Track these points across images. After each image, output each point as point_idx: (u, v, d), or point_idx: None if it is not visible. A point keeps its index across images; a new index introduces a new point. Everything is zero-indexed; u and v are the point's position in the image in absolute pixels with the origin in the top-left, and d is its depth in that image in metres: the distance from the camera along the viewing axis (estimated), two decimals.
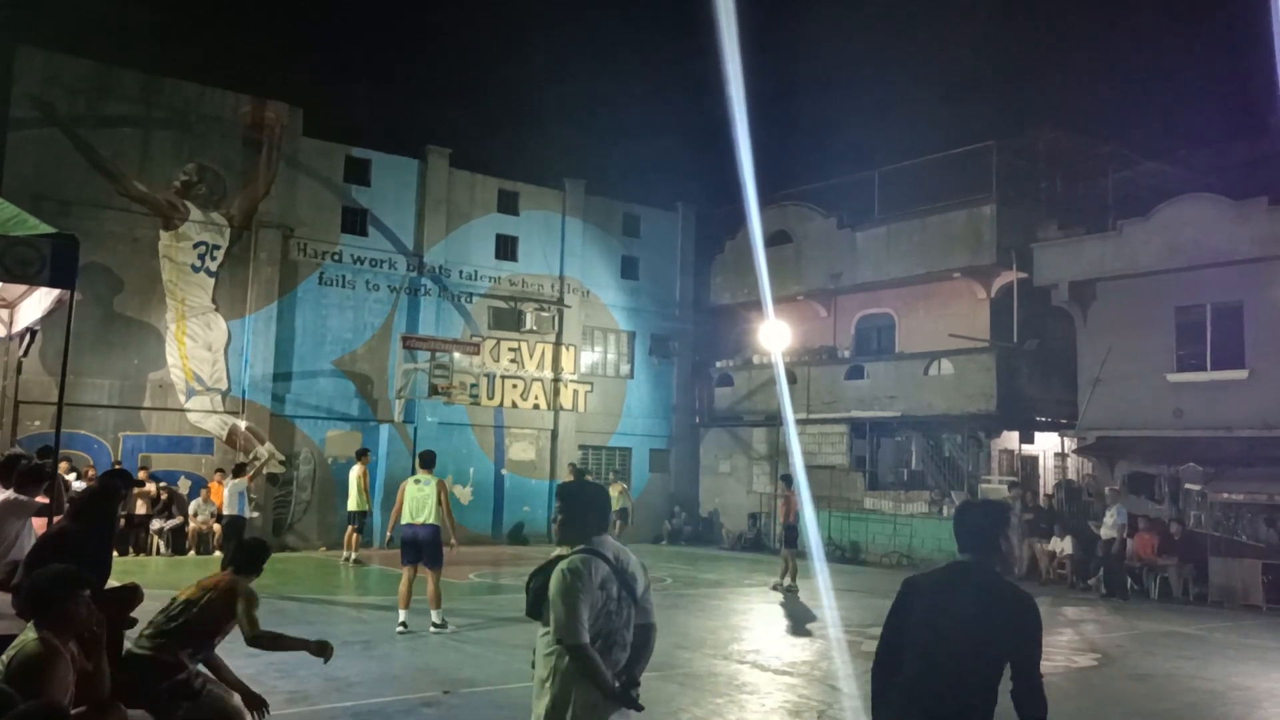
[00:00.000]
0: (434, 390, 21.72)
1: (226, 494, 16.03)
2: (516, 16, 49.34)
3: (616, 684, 3.78)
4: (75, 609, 4.25)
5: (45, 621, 4.17)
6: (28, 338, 8.66)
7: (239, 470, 16.22)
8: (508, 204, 24.59)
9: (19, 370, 16.99)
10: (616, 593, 3.84)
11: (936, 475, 22.25)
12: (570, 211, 25.40)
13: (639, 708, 3.84)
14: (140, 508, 18.23)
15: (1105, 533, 17.44)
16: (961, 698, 3.38)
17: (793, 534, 16.75)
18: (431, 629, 10.96)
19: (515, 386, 24.34)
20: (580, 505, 3.99)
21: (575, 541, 3.93)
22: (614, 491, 22.31)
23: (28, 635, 4.12)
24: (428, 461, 11.55)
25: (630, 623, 3.88)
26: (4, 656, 4.08)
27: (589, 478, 21.88)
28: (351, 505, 18.32)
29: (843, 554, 22.14)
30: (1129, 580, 17.36)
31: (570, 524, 3.97)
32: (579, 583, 3.74)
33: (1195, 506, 18.25)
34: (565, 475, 24.15)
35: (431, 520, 11.04)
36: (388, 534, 12.38)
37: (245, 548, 5.91)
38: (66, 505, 6.87)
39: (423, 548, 11.10)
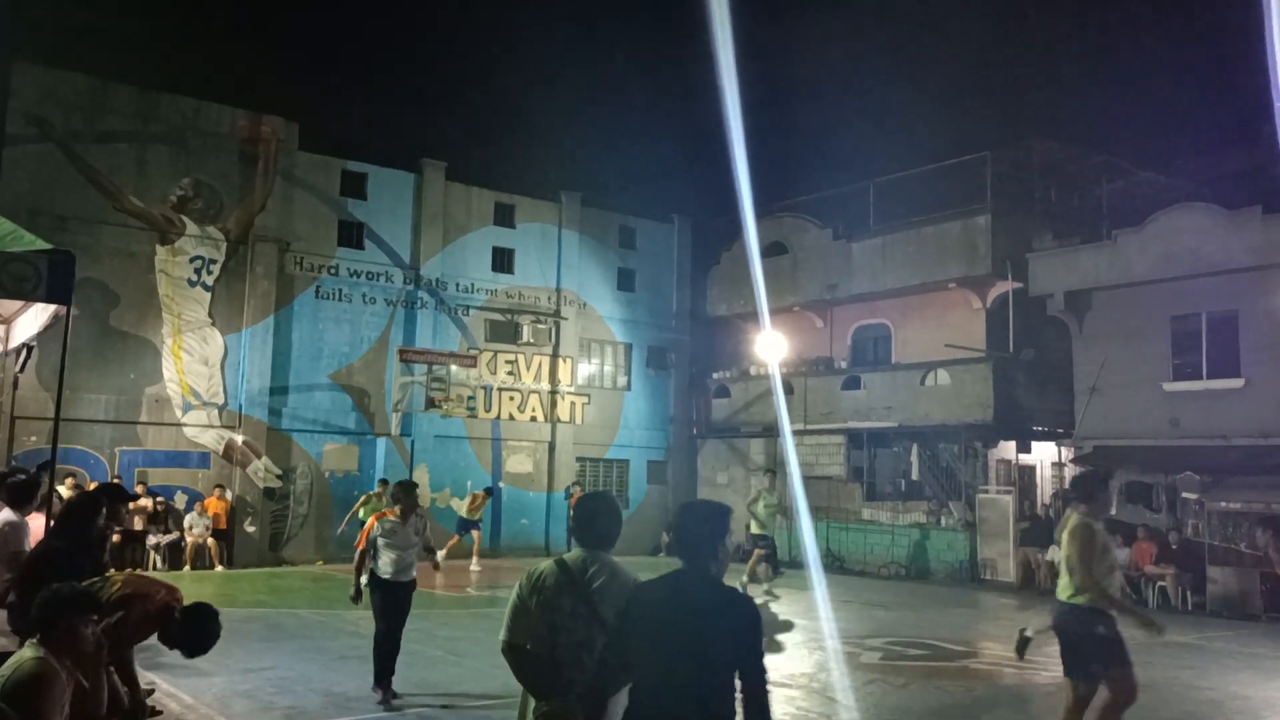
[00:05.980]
0: (431, 403, 21.71)
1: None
2: (511, 29, 49.52)
3: (553, 696, 3.64)
4: (79, 630, 4.24)
5: (46, 641, 4.16)
6: (24, 353, 8.65)
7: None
8: (504, 216, 24.61)
9: (15, 386, 16.95)
10: (569, 607, 3.72)
11: (934, 485, 22.24)
12: (566, 224, 25.42)
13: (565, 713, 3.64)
14: (137, 523, 18.18)
15: None
16: (700, 714, 3.26)
17: None
18: None
19: (512, 399, 24.33)
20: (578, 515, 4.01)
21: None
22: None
23: (25, 653, 4.11)
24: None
25: (592, 646, 3.66)
26: (1, 672, 4.06)
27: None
28: None
29: (841, 565, 22.10)
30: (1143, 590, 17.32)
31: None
32: (517, 584, 3.86)
33: (1193, 515, 18.26)
34: (562, 487, 24.13)
35: None
36: None
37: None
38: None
39: None
